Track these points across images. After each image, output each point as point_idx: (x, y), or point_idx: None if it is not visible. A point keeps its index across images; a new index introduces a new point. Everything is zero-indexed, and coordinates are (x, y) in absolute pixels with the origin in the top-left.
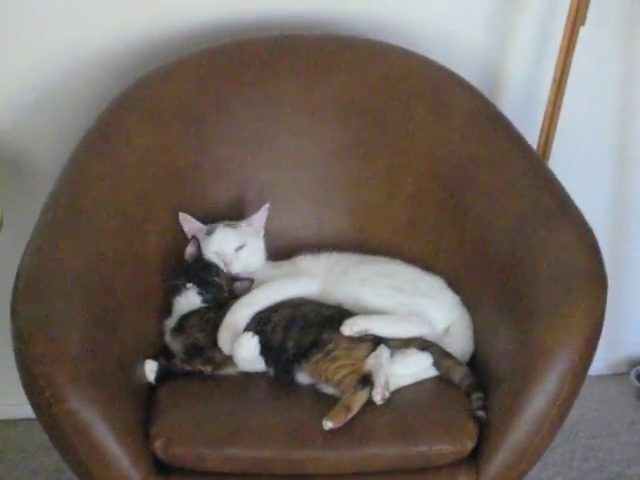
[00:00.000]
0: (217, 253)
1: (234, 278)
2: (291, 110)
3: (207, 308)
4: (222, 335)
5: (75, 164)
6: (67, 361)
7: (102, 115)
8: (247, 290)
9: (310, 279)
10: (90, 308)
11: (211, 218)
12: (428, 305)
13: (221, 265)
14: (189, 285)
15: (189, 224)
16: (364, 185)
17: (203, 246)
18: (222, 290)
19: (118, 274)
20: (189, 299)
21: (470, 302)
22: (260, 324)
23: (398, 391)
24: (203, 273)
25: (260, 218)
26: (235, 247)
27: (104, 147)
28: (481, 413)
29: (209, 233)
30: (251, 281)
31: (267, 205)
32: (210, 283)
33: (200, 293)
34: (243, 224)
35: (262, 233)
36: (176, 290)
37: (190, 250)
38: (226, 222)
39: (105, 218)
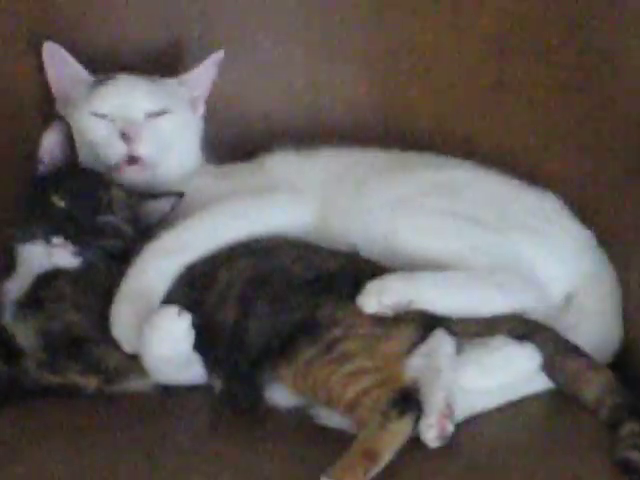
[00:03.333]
0: (110, 120)
1: (142, 194)
2: None
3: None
4: (119, 314)
5: None
6: None
7: None
8: (168, 216)
9: (295, 198)
10: None
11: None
12: (533, 251)
13: (111, 143)
14: (56, 240)
15: (59, 64)
16: (396, 8)
17: (79, 109)
18: (121, 235)
19: None
20: (53, 257)
21: (615, 244)
22: (195, 290)
23: (473, 422)
24: (80, 205)
25: (202, 76)
26: (146, 111)
27: None
28: (637, 456)
29: (99, 83)
30: (177, 197)
31: (219, 53)
32: (96, 229)
33: (79, 253)
34: (170, 80)
35: (202, 110)
36: (23, 237)
37: (50, 140)
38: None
39: None
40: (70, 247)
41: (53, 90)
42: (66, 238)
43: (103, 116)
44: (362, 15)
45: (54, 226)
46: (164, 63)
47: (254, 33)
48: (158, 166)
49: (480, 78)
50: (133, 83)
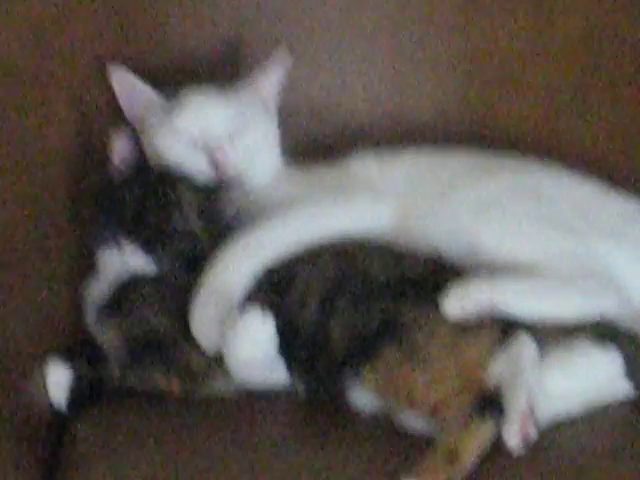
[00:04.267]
0: (194, 144)
1: (209, 189)
2: None
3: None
4: (199, 314)
5: None
6: None
7: None
8: (239, 206)
9: (377, 200)
10: None
11: (163, 83)
12: (617, 256)
13: (200, 169)
14: (126, 245)
15: (126, 87)
16: (481, 11)
17: (159, 134)
18: (193, 237)
19: None
20: (130, 261)
21: None
22: (274, 291)
23: (556, 427)
24: (150, 211)
25: (271, 76)
26: (229, 130)
27: None
28: None
29: (173, 106)
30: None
31: (283, 49)
32: (167, 233)
33: (153, 259)
34: (242, 90)
35: (275, 109)
36: (98, 242)
37: (119, 145)
38: (202, 85)
39: None
40: (140, 253)
41: (126, 113)
42: (135, 243)
43: (186, 139)
44: (447, 18)
45: (124, 231)
46: (233, 63)
47: (339, 34)
48: (242, 178)
49: (566, 82)
50: (212, 101)
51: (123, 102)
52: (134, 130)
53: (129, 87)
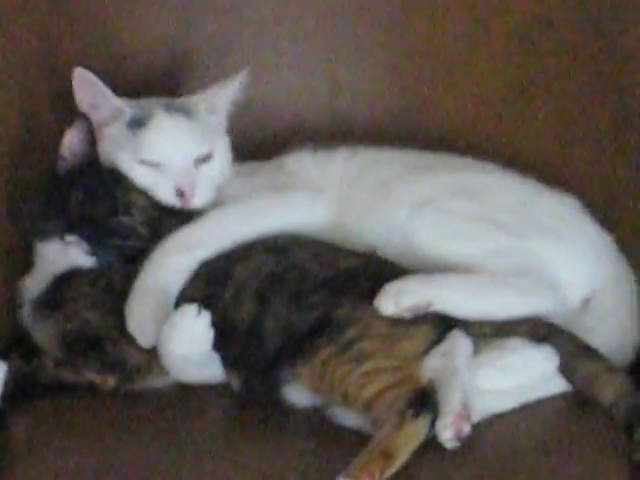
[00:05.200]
0: (161, 171)
1: (162, 207)
2: None
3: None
4: (135, 309)
5: None
6: None
7: None
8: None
9: (313, 196)
10: None
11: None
12: (552, 254)
13: (163, 195)
14: (71, 238)
15: (91, 92)
16: (418, 10)
17: (122, 152)
18: (137, 236)
19: None
20: (68, 255)
21: (635, 248)
22: (210, 286)
23: (489, 423)
24: (97, 205)
25: (228, 97)
26: (196, 157)
27: None
28: None
29: (137, 122)
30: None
31: (244, 73)
32: (111, 228)
33: (93, 253)
34: (197, 102)
35: (224, 118)
36: (40, 235)
37: (72, 138)
38: (163, 99)
39: None
40: (84, 246)
41: (87, 114)
42: (80, 236)
43: (152, 165)
44: (384, 16)
45: (69, 224)
46: (181, 67)
47: (275, 33)
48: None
49: (502, 80)
50: (179, 127)
51: (82, 104)
52: (89, 124)
53: (92, 92)
